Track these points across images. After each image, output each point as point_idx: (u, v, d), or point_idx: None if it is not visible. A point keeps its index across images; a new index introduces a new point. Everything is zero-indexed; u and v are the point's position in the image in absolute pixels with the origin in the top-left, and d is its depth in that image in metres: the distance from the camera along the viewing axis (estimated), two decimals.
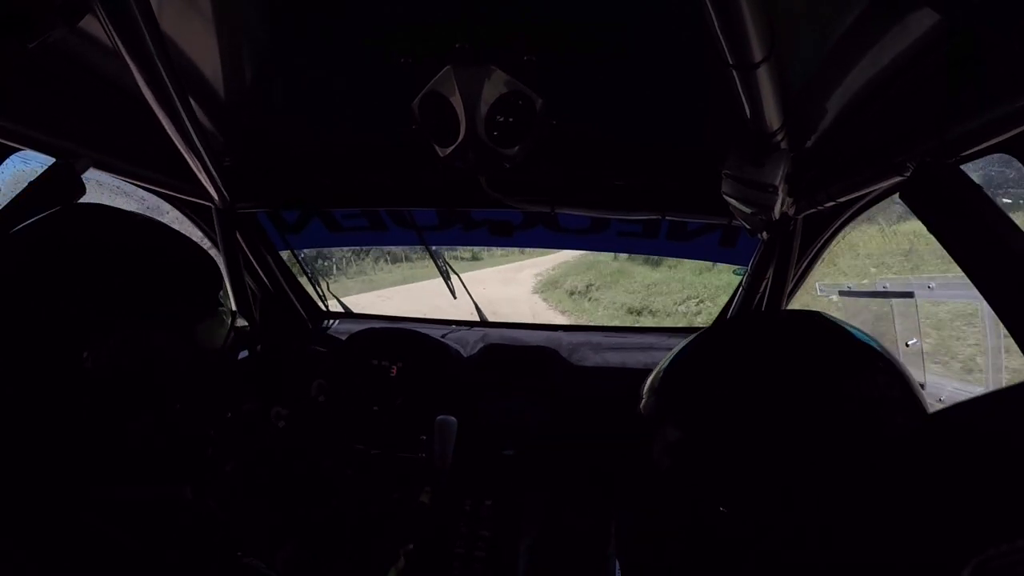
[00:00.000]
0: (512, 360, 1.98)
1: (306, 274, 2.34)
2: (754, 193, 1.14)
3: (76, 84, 1.16)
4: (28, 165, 1.15)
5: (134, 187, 1.48)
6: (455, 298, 2.39)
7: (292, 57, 1.22)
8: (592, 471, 1.72)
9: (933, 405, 0.55)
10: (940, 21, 0.75)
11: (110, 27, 0.91)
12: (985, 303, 0.72)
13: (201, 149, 1.32)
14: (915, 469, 0.42)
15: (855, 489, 0.45)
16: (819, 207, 1.27)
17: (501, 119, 1.21)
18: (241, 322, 0.82)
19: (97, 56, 1.09)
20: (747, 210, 1.22)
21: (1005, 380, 1.89)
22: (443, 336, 2.10)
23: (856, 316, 2.19)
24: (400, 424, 1.79)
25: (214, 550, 0.76)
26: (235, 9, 1.07)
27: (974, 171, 0.82)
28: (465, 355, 2.00)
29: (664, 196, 1.56)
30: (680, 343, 0.70)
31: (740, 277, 1.95)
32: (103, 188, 1.77)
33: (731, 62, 0.84)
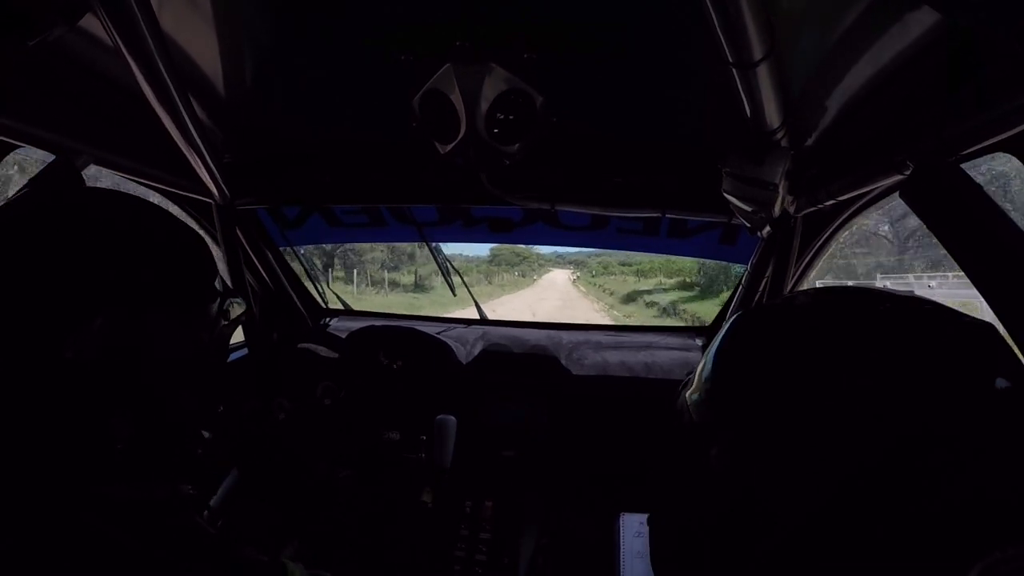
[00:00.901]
0: (512, 359, 1.98)
1: (306, 271, 2.34)
2: (754, 191, 1.15)
3: (76, 82, 1.16)
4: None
5: (134, 184, 1.47)
6: (455, 295, 2.40)
7: (292, 53, 1.22)
8: (593, 471, 1.72)
9: None
10: (940, 21, 0.75)
11: (110, 25, 0.91)
12: (984, 303, 0.73)
13: (201, 145, 1.32)
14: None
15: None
16: (819, 205, 1.27)
17: (501, 116, 1.21)
18: (239, 309, 0.79)
19: (97, 54, 1.09)
20: (747, 208, 1.22)
21: None
22: (443, 334, 2.10)
23: None
24: (400, 423, 1.80)
25: (211, 548, 0.75)
26: (235, 6, 1.07)
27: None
28: (465, 353, 2.01)
29: (664, 194, 1.56)
30: (722, 332, 0.60)
31: (740, 275, 1.95)
32: (101, 185, 1.76)
33: (731, 60, 0.84)
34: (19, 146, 1.08)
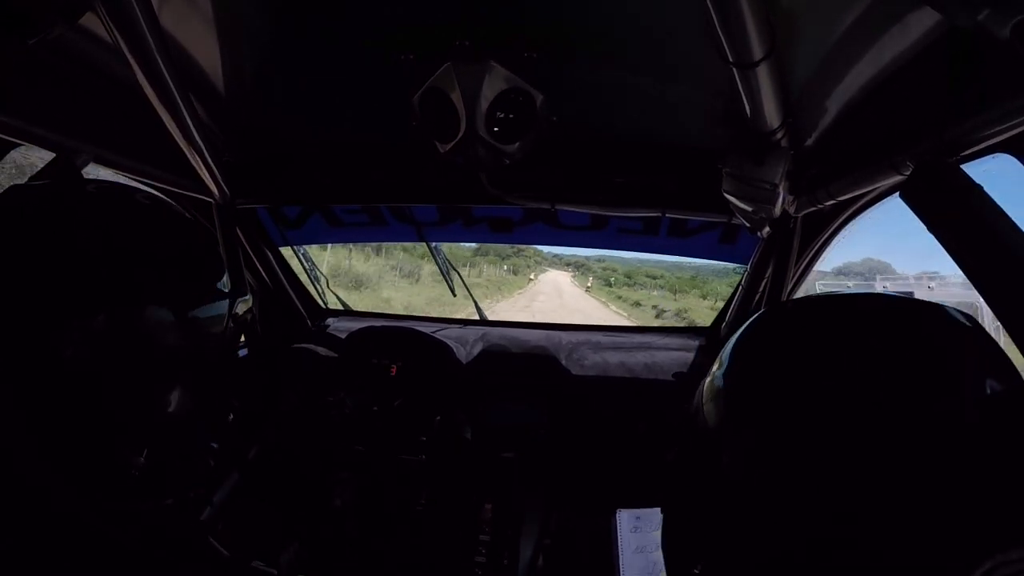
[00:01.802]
0: (511, 359, 1.98)
1: (306, 271, 2.34)
2: (754, 191, 1.14)
3: (76, 80, 1.16)
4: None
5: (135, 183, 1.48)
6: (454, 295, 2.40)
7: (292, 53, 1.22)
8: (593, 472, 1.72)
9: None
10: (940, 21, 0.75)
11: (110, 24, 0.91)
12: (984, 303, 0.72)
13: (201, 145, 1.32)
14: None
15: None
16: (819, 205, 1.27)
17: (501, 115, 1.21)
18: (244, 306, 0.77)
19: (98, 52, 1.09)
20: (747, 208, 1.22)
21: None
22: (443, 334, 2.10)
23: None
24: (400, 425, 1.79)
25: (213, 552, 0.74)
26: (235, 6, 1.07)
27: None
28: (464, 353, 2.01)
29: (664, 194, 1.56)
30: (738, 335, 0.59)
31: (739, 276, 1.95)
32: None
33: (731, 60, 0.84)
34: (19, 144, 1.08)
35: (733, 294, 2.01)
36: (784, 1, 0.82)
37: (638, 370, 1.92)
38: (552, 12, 1.02)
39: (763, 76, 0.87)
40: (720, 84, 0.94)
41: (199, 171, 1.44)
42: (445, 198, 1.81)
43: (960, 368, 0.48)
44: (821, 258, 1.65)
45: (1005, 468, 0.42)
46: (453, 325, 2.31)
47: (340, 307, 2.45)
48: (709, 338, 2.11)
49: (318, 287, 2.39)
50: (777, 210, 1.22)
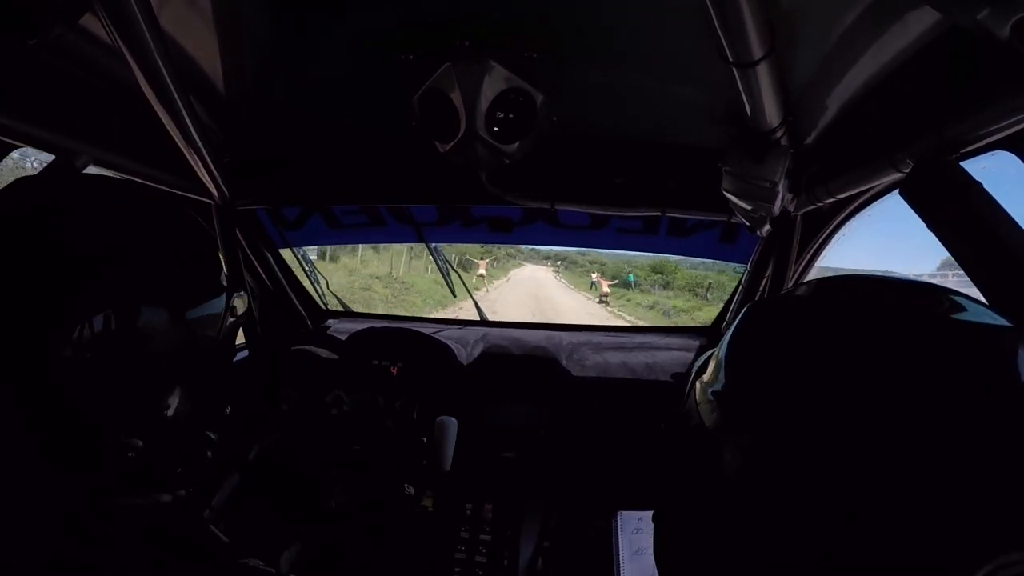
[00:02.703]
0: (512, 360, 1.98)
1: (305, 272, 2.34)
2: (754, 189, 1.15)
3: (76, 81, 1.16)
4: None
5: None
6: (455, 296, 2.40)
7: (292, 54, 1.22)
8: (594, 473, 1.72)
9: None
10: (940, 20, 0.75)
11: (110, 24, 0.91)
12: (985, 301, 0.72)
13: (201, 146, 1.31)
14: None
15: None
16: (819, 204, 1.27)
17: (501, 115, 1.21)
18: (243, 305, 0.77)
19: (97, 53, 1.09)
20: (747, 207, 1.22)
21: None
22: (443, 335, 2.10)
23: None
24: (400, 426, 1.79)
25: (215, 551, 0.74)
26: (235, 6, 1.07)
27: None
28: (465, 354, 2.01)
29: (664, 193, 1.56)
30: (733, 329, 0.58)
31: (739, 275, 1.95)
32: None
33: (731, 59, 0.84)
34: (19, 146, 1.08)
35: (733, 293, 2.01)
36: (784, 1, 0.82)
37: (639, 370, 1.92)
38: (552, 12, 1.02)
39: (763, 75, 0.88)
40: (720, 83, 0.94)
41: (199, 172, 1.43)
42: (445, 198, 1.81)
43: (964, 365, 0.47)
44: (821, 256, 1.65)
45: (1008, 468, 0.42)
46: (453, 326, 2.31)
47: (340, 308, 2.45)
48: (710, 338, 2.12)
49: (318, 288, 2.39)
50: (777, 208, 1.22)
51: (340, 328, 2.26)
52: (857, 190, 1.15)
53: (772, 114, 1.00)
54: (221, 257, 1.77)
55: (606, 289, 20.84)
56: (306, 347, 2.02)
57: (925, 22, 0.77)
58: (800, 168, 1.24)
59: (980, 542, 0.39)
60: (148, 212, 0.69)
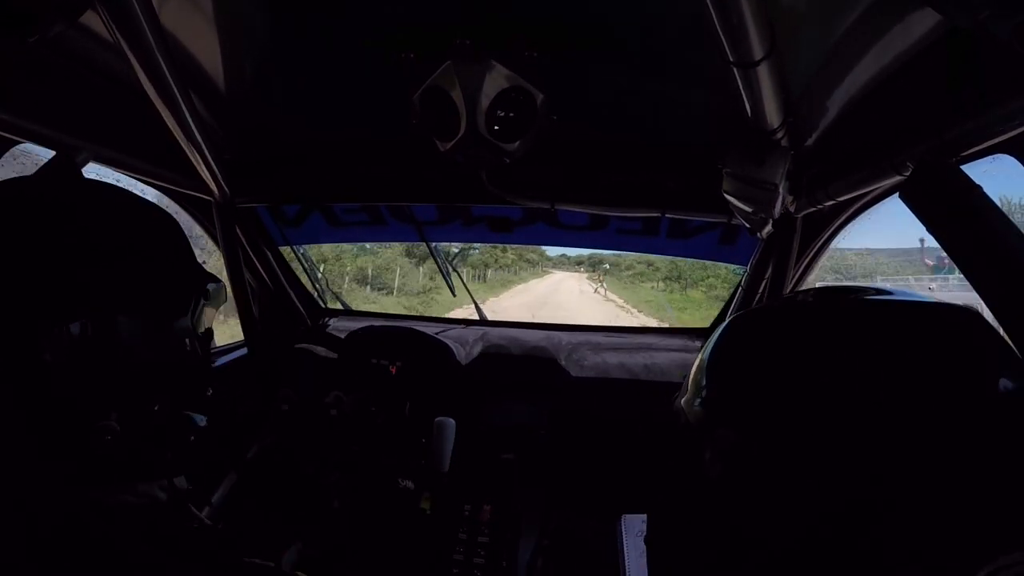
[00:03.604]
0: (511, 360, 1.97)
1: (305, 270, 2.34)
2: (754, 191, 1.14)
3: (77, 78, 1.16)
4: None
5: (134, 181, 1.47)
6: (454, 295, 2.40)
7: (292, 51, 1.22)
8: (592, 473, 1.72)
9: None
10: (940, 21, 0.75)
11: (110, 22, 0.91)
12: (983, 303, 0.72)
13: (201, 143, 1.32)
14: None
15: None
16: (819, 206, 1.27)
17: (502, 114, 1.21)
18: (220, 297, 0.78)
19: (98, 50, 1.09)
20: (747, 208, 1.22)
21: None
22: (442, 334, 2.09)
23: None
24: (399, 426, 1.79)
25: (214, 551, 0.74)
26: (235, 4, 1.07)
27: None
28: (464, 354, 2.00)
29: (664, 194, 1.56)
30: (717, 334, 0.59)
31: (740, 276, 1.95)
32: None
33: (732, 60, 0.84)
34: (19, 142, 1.08)
35: (733, 294, 2.01)
36: (784, 1, 0.82)
37: (638, 371, 1.92)
38: (552, 12, 1.02)
39: (763, 76, 0.87)
40: (720, 84, 0.94)
41: (199, 170, 1.44)
42: (445, 196, 1.81)
43: (961, 364, 0.47)
44: (822, 258, 1.65)
45: (1008, 469, 0.41)
46: (453, 325, 2.31)
47: (340, 307, 2.45)
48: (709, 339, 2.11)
49: (318, 286, 2.39)
50: (777, 210, 1.22)
51: (339, 326, 2.25)
52: (857, 192, 1.15)
53: (773, 115, 0.99)
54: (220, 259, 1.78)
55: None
56: (306, 346, 2.02)
57: (926, 24, 0.77)
58: (800, 170, 1.23)
59: (979, 543, 0.39)
60: (116, 207, 0.70)
